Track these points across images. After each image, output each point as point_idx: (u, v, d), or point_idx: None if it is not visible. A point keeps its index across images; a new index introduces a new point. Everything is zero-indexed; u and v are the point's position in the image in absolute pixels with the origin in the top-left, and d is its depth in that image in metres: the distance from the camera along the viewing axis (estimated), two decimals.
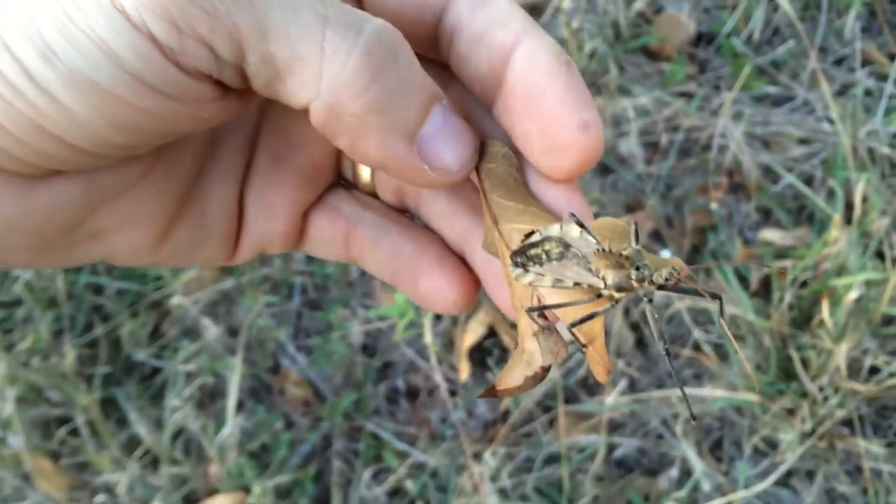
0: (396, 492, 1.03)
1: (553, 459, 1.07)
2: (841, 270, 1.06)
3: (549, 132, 0.33)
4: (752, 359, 1.05)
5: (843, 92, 1.30)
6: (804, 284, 1.10)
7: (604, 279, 0.33)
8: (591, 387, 1.11)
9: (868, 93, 1.28)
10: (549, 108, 0.33)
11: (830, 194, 1.18)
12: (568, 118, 0.33)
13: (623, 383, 1.10)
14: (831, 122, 1.25)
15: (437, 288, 0.40)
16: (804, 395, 1.02)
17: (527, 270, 0.35)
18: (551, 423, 1.08)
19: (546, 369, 0.34)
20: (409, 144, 0.33)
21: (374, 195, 0.43)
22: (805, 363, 1.03)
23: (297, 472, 1.01)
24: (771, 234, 1.19)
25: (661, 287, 0.33)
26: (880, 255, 1.09)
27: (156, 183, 0.36)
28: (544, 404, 1.11)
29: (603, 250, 0.33)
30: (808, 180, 1.22)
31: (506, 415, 1.10)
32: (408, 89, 0.32)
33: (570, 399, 1.11)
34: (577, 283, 0.34)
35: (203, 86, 0.30)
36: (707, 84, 1.33)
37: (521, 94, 0.33)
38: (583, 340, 0.33)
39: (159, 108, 0.30)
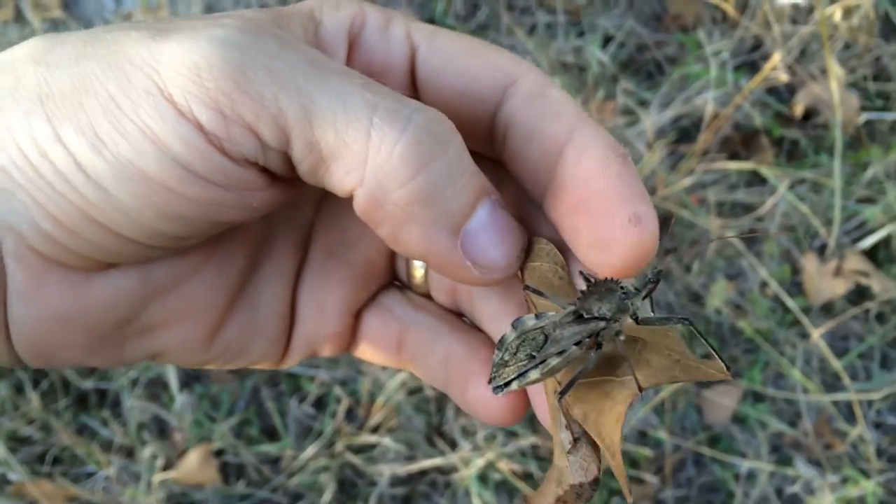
0: (320, 405, 1.37)
1: None
2: None
3: (598, 225, 0.31)
4: None
5: (532, 31, 1.76)
6: None
7: (601, 314, 0.32)
8: None
9: (549, 25, 1.76)
10: (599, 200, 0.31)
11: None
12: (619, 211, 0.30)
13: None
14: (530, 53, 1.70)
15: (483, 396, 0.38)
16: None
17: (509, 385, 0.33)
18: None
19: (580, 490, 0.31)
20: (453, 238, 0.31)
21: (427, 296, 0.42)
22: None
23: (244, 414, 1.32)
24: None
25: (649, 290, 0.33)
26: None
27: (209, 277, 0.36)
28: None
29: (584, 292, 0.33)
30: None
31: None
32: (455, 181, 0.30)
33: None
34: (577, 343, 0.32)
35: (249, 173, 0.30)
36: None
37: (571, 186, 0.31)
38: (607, 456, 0.30)
39: (206, 196, 0.29)
